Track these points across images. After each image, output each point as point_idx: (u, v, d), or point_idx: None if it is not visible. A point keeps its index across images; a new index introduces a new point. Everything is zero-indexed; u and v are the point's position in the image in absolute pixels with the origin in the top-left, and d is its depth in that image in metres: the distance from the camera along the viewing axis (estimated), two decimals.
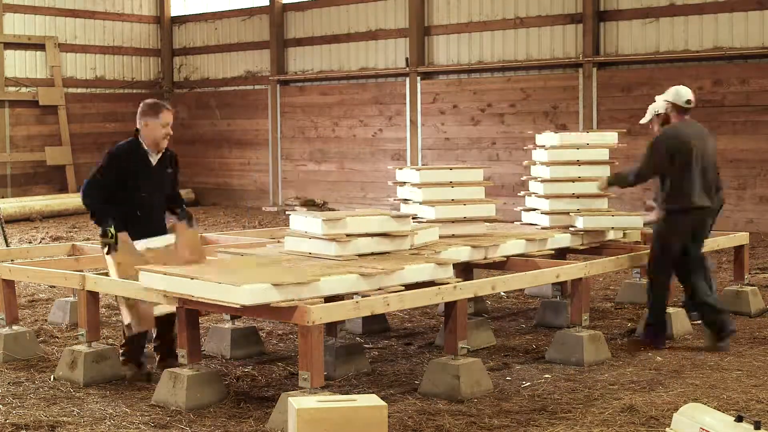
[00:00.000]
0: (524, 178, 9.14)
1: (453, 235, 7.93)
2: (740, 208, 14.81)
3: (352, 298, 6.48)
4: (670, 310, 8.22)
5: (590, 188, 8.62)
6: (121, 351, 7.10)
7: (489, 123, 17.49)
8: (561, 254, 8.78)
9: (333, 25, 19.89)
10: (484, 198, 8.28)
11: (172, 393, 6.21)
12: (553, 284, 8.77)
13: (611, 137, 8.99)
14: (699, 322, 8.08)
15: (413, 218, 7.55)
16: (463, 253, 7.53)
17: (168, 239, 6.99)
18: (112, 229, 6.82)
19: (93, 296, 6.98)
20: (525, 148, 9.47)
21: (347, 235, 6.79)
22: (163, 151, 7.32)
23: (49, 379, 6.90)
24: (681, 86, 7.93)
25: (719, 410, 5.15)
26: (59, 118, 20.82)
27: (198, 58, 22.56)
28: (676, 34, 15.48)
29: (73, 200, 19.58)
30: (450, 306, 6.54)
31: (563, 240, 8.49)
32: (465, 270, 8.24)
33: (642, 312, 8.80)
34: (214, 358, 7.52)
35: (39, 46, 20.75)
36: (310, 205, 19.36)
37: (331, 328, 7.10)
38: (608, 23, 16.21)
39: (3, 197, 19.21)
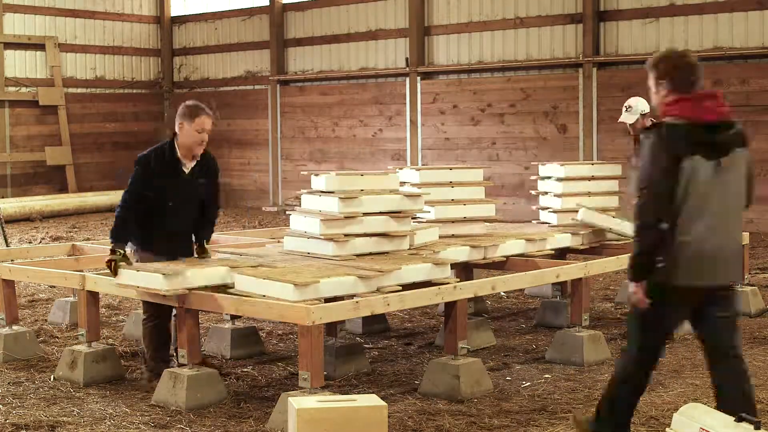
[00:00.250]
0: (534, 207, 9.32)
1: (453, 235, 7.93)
2: None
3: (352, 298, 6.48)
4: None
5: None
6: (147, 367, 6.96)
7: (489, 123, 17.49)
8: (561, 254, 8.78)
9: (333, 25, 19.89)
10: (484, 198, 8.28)
11: (172, 393, 6.21)
12: (553, 284, 8.76)
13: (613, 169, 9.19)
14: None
15: (413, 218, 7.55)
16: (462, 253, 7.53)
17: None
18: (121, 251, 6.47)
19: (93, 296, 6.98)
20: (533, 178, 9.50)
21: (345, 235, 6.79)
22: (199, 158, 6.78)
23: (49, 379, 6.90)
24: None
25: (719, 410, 5.15)
26: (59, 118, 20.83)
27: (198, 58, 22.57)
28: (676, 34, 15.48)
29: (73, 200, 19.61)
30: (450, 306, 6.54)
31: (563, 240, 8.49)
32: (465, 270, 8.24)
33: None
34: (215, 358, 7.52)
35: (39, 46, 20.76)
36: None
37: (331, 328, 7.10)
38: (608, 23, 16.21)
39: (3, 197, 19.22)
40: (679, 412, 4.71)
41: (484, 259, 7.71)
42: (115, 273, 6.46)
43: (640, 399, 5.50)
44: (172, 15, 22.94)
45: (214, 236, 9.35)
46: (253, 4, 21.36)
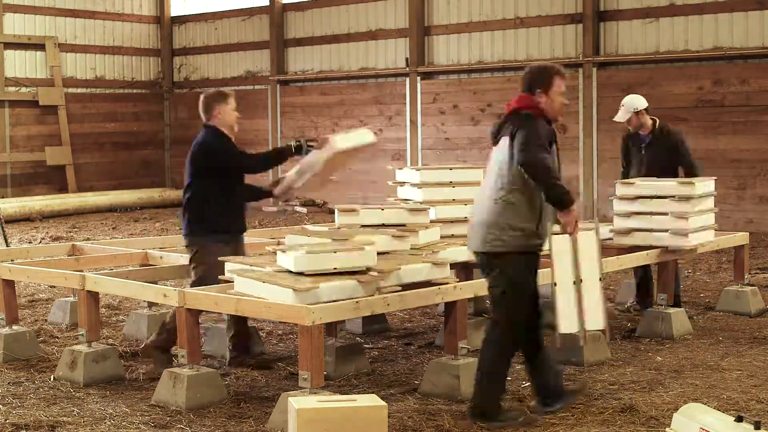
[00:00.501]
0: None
1: (453, 235, 7.93)
2: (740, 208, 14.81)
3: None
4: (669, 310, 8.22)
5: None
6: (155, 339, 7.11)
7: (489, 123, 17.41)
8: None
9: (333, 25, 19.89)
10: None
11: (172, 393, 6.21)
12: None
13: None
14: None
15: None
16: (462, 253, 7.52)
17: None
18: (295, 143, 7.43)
19: (93, 296, 6.98)
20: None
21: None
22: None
23: (49, 379, 6.91)
24: None
25: (719, 410, 5.15)
26: (59, 118, 20.82)
27: (198, 58, 22.56)
28: (676, 34, 15.48)
29: (73, 200, 19.60)
30: (450, 306, 6.54)
31: None
32: (465, 270, 8.24)
33: (642, 313, 8.81)
34: (215, 358, 7.52)
35: (39, 46, 20.75)
36: (309, 205, 19.34)
37: (331, 328, 7.10)
38: (608, 23, 16.20)
39: (3, 197, 19.21)
40: (679, 412, 4.72)
41: None
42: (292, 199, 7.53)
43: (640, 398, 5.50)
44: (172, 15, 22.94)
45: None
46: (253, 4, 21.35)
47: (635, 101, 8.89)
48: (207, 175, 7.11)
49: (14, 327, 7.63)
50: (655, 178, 8.55)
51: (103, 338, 7.74)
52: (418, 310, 9.12)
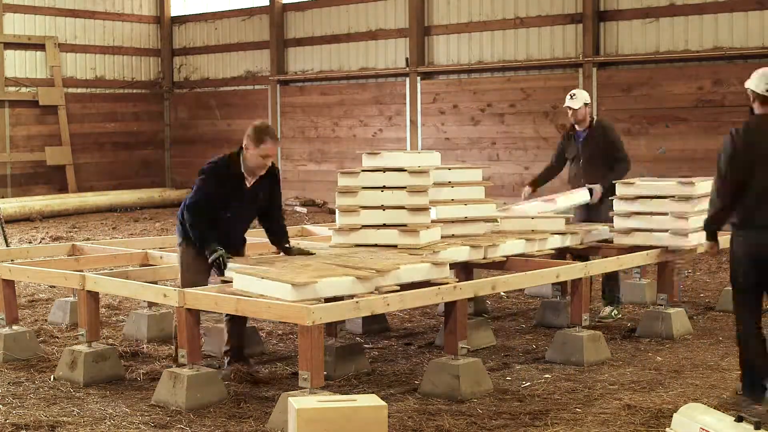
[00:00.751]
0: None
1: (453, 235, 7.93)
2: None
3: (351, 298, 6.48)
4: (669, 310, 8.23)
5: None
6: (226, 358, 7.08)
7: (489, 123, 17.49)
8: (561, 254, 8.78)
9: (333, 25, 19.88)
10: (484, 198, 8.28)
11: (172, 393, 6.21)
12: (553, 284, 8.77)
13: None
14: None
15: None
16: (462, 252, 7.53)
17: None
18: (219, 251, 6.65)
19: (93, 296, 6.97)
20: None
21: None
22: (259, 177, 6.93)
23: (49, 379, 6.91)
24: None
25: (719, 410, 5.15)
26: (59, 118, 20.82)
27: (198, 58, 22.56)
28: (676, 34, 15.48)
29: (73, 200, 19.60)
30: (450, 306, 6.54)
31: (563, 240, 8.48)
32: (465, 270, 8.24)
33: (641, 311, 8.81)
34: (215, 358, 7.52)
35: (39, 46, 20.75)
36: (309, 205, 19.36)
37: (331, 328, 7.10)
38: (608, 23, 16.20)
39: (3, 197, 19.21)
40: (679, 412, 4.72)
41: (484, 259, 7.71)
42: (225, 267, 6.67)
43: (640, 398, 5.50)
44: (172, 15, 22.93)
45: None
46: (253, 4, 21.35)
47: (585, 94, 9.18)
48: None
49: (14, 327, 7.63)
50: (653, 178, 8.57)
51: (103, 338, 7.74)
52: (418, 310, 9.12)
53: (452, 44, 18.09)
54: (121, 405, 6.29)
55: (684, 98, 15.15)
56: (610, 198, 8.62)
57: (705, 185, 8.44)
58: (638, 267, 9.43)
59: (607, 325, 8.64)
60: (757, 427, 4.30)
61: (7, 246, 11.71)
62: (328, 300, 6.10)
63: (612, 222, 8.53)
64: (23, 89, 20.45)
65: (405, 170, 7.57)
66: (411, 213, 7.49)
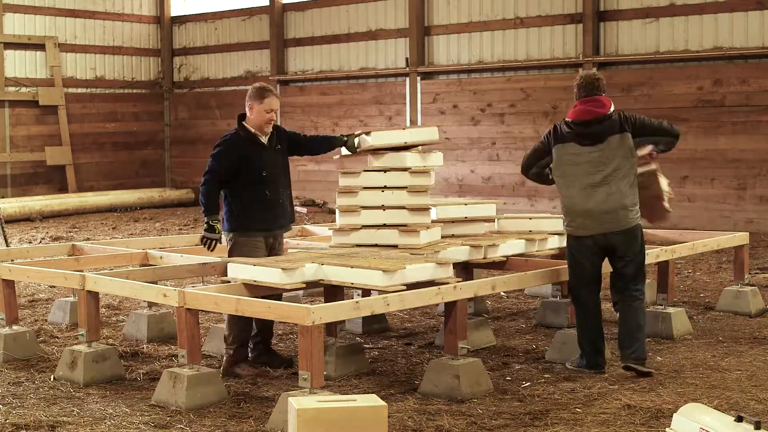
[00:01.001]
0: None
1: (453, 235, 7.94)
2: (740, 208, 14.81)
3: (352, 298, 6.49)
4: (669, 310, 8.23)
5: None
6: (228, 356, 7.09)
7: (489, 123, 17.49)
8: (561, 254, 8.78)
9: (333, 25, 19.89)
10: (483, 198, 8.27)
11: (172, 393, 6.21)
12: (553, 284, 8.76)
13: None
14: None
15: None
16: (462, 253, 7.53)
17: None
18: (219, 225, 6.94)
19: (93, 296, 6.97)
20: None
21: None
22: (270, 133, 7.24)
23: (49, 379, 6.91)
24: None
25: (719, 410, 5.15)
26: (59, 118, 20.82)
27: (198, 58, 22.56)
28: (676, 34, 15.48)
29: (73, 200, 19.60)
30: (450, 306, 6.54)
31: (563, 240, 8.48)
32: (465, 270, 8.24)
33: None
34: (215, 358, 7.52)
35: (39, 46, 20.75)
36: (309, 205, 19.36)
37: (331, 328, 7.10)
38: (608, 23, 16.20)
39: (3, 197, 19.21)
40: (679, 412, 4.72)
41: (484, 258, 7.71)
42: (211, 248, 7.03)
43: (640, 398, 5.50)
44: (172, 15, 22.94)
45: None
46: (253, 4, 21.35)
47: None
48: None
49: (14, 327, 7.63)
50: None
51: (103, 338, 7.74)
52: (418, 310, 9.12)
53: (452, 44, 18.10)
54: (121, 405, 6.29)
55: (684, 98, 15.15)
56: None
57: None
58: None
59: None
60: (757, 427, 4.30)
61: (7, 246, 11.71)
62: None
63: None
64: (23, 89, 20.45)
65: (406, 170, 7.57)
66: (411, 213, 7.49)
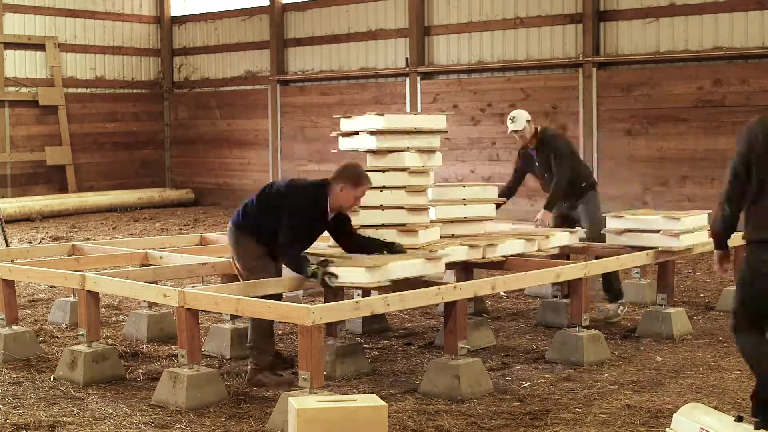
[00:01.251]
0: None
1: (453, 235, 7.93)
2: None
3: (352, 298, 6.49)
4: (670, 310, 8.23)
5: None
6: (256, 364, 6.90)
7: (489, 123, 17.49)
8: (561, 254, 8.78)
9: (333, 25, 19.88)
10: (483, 198, 8.27)
11: (172, 393, 6.21)
12: (553, 284, 8.76)
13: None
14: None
15: None
16: (461, 252, 7.53)
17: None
18: (315, 268, 6.48)
19: (93, 296, 6.97)
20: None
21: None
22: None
23: (49, 379, 6.91)
24: None
25: (719, 410, 5.15)
26: (59, 118, 20.82)
27: (198, 58, 22.56)
28: (676, 34, 15.48)
29: (73, 200, 19.60)
30: (450, 306, 6.54)
31: (563, 240, 8.48)
32: (465, 270, 8.24)
33: (641, 311, 8.81)
34: (215, 358, 7.52)
35: (39, 46, 20.74)
36: None
37: (331, 328, 7.10)
38: (608, 23, 16.20)
39: (3, 197, 19.21)
40: (679, 412, 4.72)
41: (482, 258, 7.70)
42: (326, 284, 6.57)
43: (640, 398, 5.49)
44: (172, 15, 22.93)
45: (214, 236, 9.38)
46: (253, 4, 21.35)
47: (524, 113, 8.97)
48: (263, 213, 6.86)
49: (14, 327, 7.63)
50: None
51: (103, 338, 7.74)
52: (418, 310, 9.12)
53: (452, 44, 18.09)
54: (121, 405, 6.29)
55: (684, 98, 15.14)
56: (577, 201, 8.80)
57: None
58: (638, 267, 9.43)
59: (608, 324, 8.63)
60: (757, 427, 4.30)
61: (7, 246, 11.71)
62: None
63: (589, 224, 8.71)
64: (23, 89, 20.45)
65: (405, 170, 7.57)
66: (410, 213, 7.49)
